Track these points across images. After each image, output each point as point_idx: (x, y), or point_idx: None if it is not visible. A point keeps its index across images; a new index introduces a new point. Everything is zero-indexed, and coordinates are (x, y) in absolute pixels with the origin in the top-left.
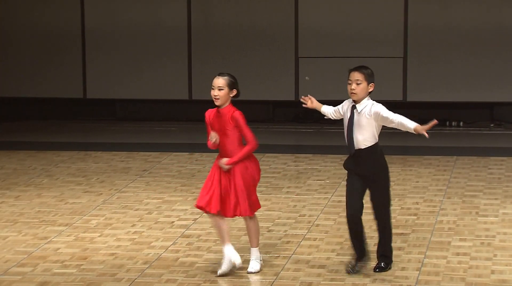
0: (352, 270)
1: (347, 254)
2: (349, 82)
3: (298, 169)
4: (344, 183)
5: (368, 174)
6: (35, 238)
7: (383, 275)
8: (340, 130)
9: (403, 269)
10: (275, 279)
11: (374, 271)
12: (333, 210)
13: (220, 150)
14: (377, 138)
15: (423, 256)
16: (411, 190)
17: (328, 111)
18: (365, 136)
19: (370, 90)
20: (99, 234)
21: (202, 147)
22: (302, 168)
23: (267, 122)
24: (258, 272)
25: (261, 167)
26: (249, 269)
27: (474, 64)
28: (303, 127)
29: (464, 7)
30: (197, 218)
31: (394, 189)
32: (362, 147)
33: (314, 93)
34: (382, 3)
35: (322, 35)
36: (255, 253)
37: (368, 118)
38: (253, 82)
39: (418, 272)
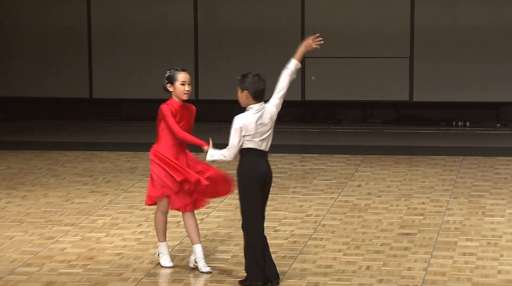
0: None
1: (353, 254)
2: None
3: (305, 169)
4: (350, 183)
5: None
6: (41, 238)
7: (389, 275)
8: (347, 130)
9: (409, 269)
10: (282, 279)
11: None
12: (339, 210)
13: (174, 144)
14: (247, 143)
15: (430, 256)
16: (418, 190)
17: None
18: None
19: (244, 97)
20: (105, 234)
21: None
22: (309, 168)
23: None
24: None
25: None
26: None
27: (480, 64)
28: (309, 127)
29: (470, 7)
30: (204, 218)
31: (401, 189)
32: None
33: (320, 94)
34: (388, 3)
35: (328, 35)
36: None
37: None
38: None
39: (424, 272)
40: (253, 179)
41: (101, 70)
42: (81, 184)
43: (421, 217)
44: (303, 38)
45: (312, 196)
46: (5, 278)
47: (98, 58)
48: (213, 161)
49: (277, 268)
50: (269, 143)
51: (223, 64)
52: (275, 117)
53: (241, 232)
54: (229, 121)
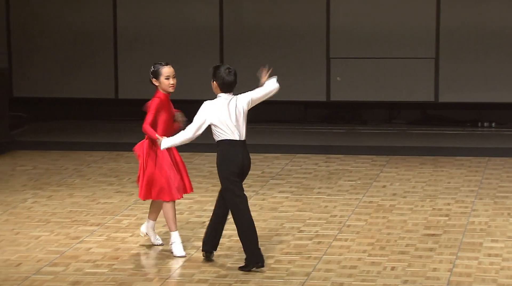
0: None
1: (378, 255)
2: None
3: (329, 170)
4: (375, 183)
5: None
6: (67, 237)
7: (414, 275)
8: (372, 130)
9: (434, 270)
10: (306, 280)
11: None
12: (364, 210)
13: (166, 133)
14: (220, 134)
15: (455, 257)
16: (443, 191)
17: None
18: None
19: (213, 87)
20: (131, 234)
21: None
22: (333, 169)
23: (298, 123)
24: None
25: (291, 167)
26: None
27: (506, 64)
28: (334, 128)
29: (496, 7)
30: (229, 219)
31: (426, 190)
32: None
33: (345, 94)
34: (414, 4)
35: (353, 36)
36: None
37: None
38: (285, 83)
39: (449, 273)
40: (227, 169)
41: (127, 71)
42: (107, 184)
43: (446, 218)
44: (328, 38)
45: (337, 197)
46: (31, 277)
47: (124, 59)
48: (172, 146)
49: (302, 269)
50: (243, 133)
51: (249, 64)
52: (245, 109)
53: (266, 233)
54: (249, 121)
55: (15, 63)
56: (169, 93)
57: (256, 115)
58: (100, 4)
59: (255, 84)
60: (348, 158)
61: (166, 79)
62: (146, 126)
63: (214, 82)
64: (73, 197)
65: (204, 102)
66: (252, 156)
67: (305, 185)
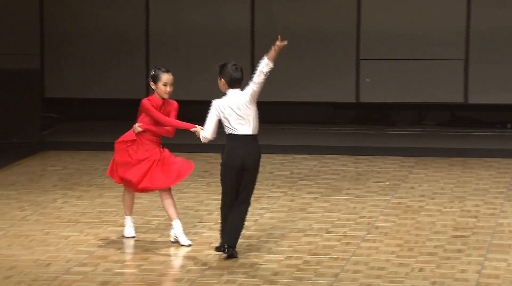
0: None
1: (406, 256)
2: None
3: (358, 171)
4: (404, 185)
5: None
6: (96, 238)
7: (443, 277)
8: (401, 132)
9: (463, 271)
10: (334, 281)
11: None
12: (392, 212)
13: (155, 135)
14: (228, 128)
15: (483, 258)
16: (472, 192)
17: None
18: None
19: (221, 84)
20: (160, 234)
21: (267, 149)
22: (362, 170)
23: (327, 124)
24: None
25: (320, 168)
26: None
27: None
28: (363, 129)
29: None
30: (258, 220)
31: (454, 191)
32: None
33: (374, 95)
34: (444, 5)
35: (383, 37)
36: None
37: None
38: (314, 84)
39: (478, 275)
40: (225, 164)
41: None
42: None
43: (475, 220)
44: (358, 40)
45: (365, 198)
46: (61, 277)
47: (155, 60)
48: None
49: (330, 270)
50: (251, 128)
51: (279, 66)
52: (250, 102)
53: (295, 234)
54: (279, 122)
55: (47, 64)
56: (163, 99)
57: (286, 116)
58: (133, 6)
59: (286, 84)
60: (376, 159)
61: (163, 85)
62: (170, 122)
63: (222, 79)
64: (103, 197)
65: (212, 101)
66: (281, 157)
67: (334, 186)
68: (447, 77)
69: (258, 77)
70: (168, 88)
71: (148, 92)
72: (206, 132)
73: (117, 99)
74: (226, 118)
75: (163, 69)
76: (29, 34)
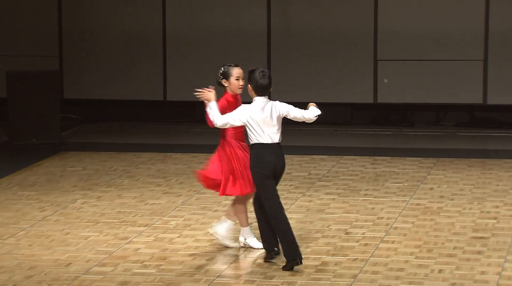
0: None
1: (425, 257)
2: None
3: (376, 172)
4: (423, 186)
5: None
6: (115, 238)
7: (462, 278)
8: (419, 133)
9: (482, 273)
10: (353, 282)
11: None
12: (411, 212)
13: (236, 134)
14: (254, 137)
15: (504, 260)
16: (491, 194)
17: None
18: (249, 133)
19: (249, 91)
20: (178, 234)
21: (284, 149)
22: (380, 171)
23: (345, 125)
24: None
25: (338, 169)
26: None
27: None
28: (381, 130)
29: None
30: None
31: (474, 192)
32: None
33: (392, 96)
34: (462, 6)
35: (401, 38)
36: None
37: None
38: (332, 85)
39: (498, 276)
40: (260, 172)
41: (175, 73)
42: (155, 185)
43: (495, 221)
44: (375, 40)
45: (384, 199)
46: (81, 277)
47: (172, 61)
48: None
49: (349, 270)
50: (278, 137)
51: (296, 67)
52: (281, 115)
53: (313, 235)
54: (300, 123)
55: (66, 65)
56: (237, 94)
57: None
58: (150, 7)
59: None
60: (395, 160)
61: (236, 80)
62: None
63: (249, 85)
64: (122, 198)
65: (241, 105)
66: (299, 158)
67: (352, 187)
68: (466, 78)
69: (295, 113)
70: (241, 82)
71: (166, 92)
72: (219, 117)
73: (135, 100)
74: (252, 125)
75: (231, 64)
76: (47, 36)
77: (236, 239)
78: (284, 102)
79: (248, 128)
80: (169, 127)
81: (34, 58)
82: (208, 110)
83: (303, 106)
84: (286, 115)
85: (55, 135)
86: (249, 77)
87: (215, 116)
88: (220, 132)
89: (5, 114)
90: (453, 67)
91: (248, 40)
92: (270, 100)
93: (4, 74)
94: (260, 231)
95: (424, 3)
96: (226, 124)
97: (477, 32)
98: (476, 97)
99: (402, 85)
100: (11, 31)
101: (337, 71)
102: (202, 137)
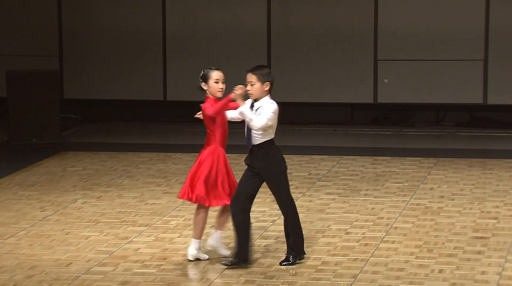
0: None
1: (426, 257)
2: (246, 83)
3: (376, 172)
4: (423, 186)
5: (259, 169)
6: (116, 238)
7: (462, 278)
8: (420, 132)
9: (483, 273)
10: (353, 281)
11: (280, 264)
12: (411, 212)
13: (223, 137)
14: (269, 135)
15: (504, 260)
16: (491, 194)
17: (232, 115)
18: (258, 133)
19: (266, 89)
20: (179, 234)
21: (284, 149)
22: (380, 171)
23: (345, 125)
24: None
25: (338, 169)
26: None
27: None
28: (381, 130)
29: None
30: (276, 220)
31: (474, 192)
32: (256, 143)
33: (392, 96)
34: (462, 5)
35: (401, 38)
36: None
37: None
38: (332, 85)
39: (498, 276)
40: (284, 167)
41: (175, 72)
42: (155, 185)
43: (495, 221)
44: (375, 40)
45: (384, 199)
46: (81, 277)
47: (173, 61)
48: (241, 113)
49: (349, 270)
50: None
51: (296, 66)
52: None
53: (313, 234)
54: (297, 123)
55: (66, 65)
56: (217, 98)
57: (303, 117)
58: (150, 7)
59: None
60: (395, 160)
61: (215, 83)
62: (215, 108)
63: (267, 83)
64: (122, 198)
65: (275, 105)
66: (299, 158)
67: (352, 187)
68: (466, 78)
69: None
70: (220, 85)
71: (166, 92)
72: (258, 122)
73: (135, 100)
74: (275, 123)
75: (212, 67)
76: (47, 36)
77: (229, 247)
78: (284, 102)
79: (271, 125)
80: (169, 127)
81: (34, 58)
82: (241, 110)
83: (303, 106)
84: None
85: (55, 135)
86: (267, 75)
87: (254, 118)
88: (208, 137)
89: (5, 114)
90: (453, 67)
91: (248, 40)
92: (269, 99)
93: (4, 74)
94: (241, 239)
95: (424, 3)
96: (265, 126)
97: (477, 32)
98: (476, 97)
99: (402, 85)
100: (11, 31)
101: (337, 71)
102: (202, 137)
